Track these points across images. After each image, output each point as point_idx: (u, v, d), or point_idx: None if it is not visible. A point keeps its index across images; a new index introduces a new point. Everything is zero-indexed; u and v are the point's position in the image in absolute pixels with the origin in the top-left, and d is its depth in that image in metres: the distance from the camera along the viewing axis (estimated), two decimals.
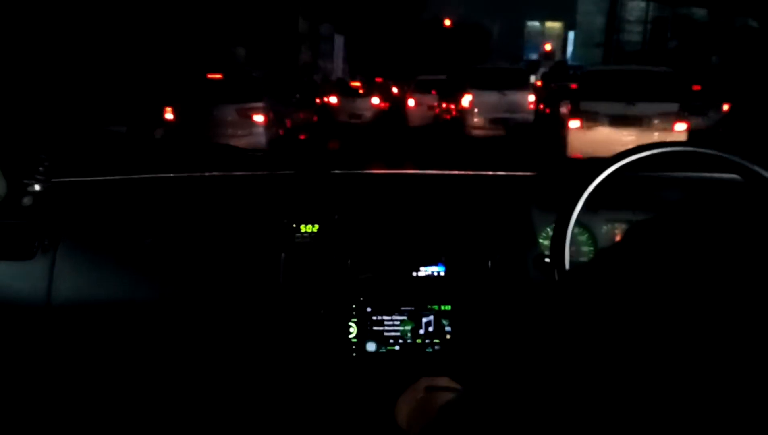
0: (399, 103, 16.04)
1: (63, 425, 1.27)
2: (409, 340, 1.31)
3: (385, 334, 1.31)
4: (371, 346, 1.30)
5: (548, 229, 1.40)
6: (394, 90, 19.50)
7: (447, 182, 1.49)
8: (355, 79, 18.96)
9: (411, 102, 13.83)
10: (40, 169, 1.25)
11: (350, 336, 1.30)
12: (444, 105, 13.27)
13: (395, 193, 1.43)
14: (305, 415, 1.29)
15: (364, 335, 1.30)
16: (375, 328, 1.31)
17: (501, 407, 0.51)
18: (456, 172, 1.51)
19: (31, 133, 1.49)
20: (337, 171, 1.46)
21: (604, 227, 1.43)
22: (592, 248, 1.43)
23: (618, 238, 1.44)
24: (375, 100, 14.92)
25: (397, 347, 1.31)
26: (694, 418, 0.38)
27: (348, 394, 1.29)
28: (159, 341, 1.29)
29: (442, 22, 27.26)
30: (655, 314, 0.41)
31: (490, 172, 1.51)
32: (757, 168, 1.05)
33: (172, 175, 1.42)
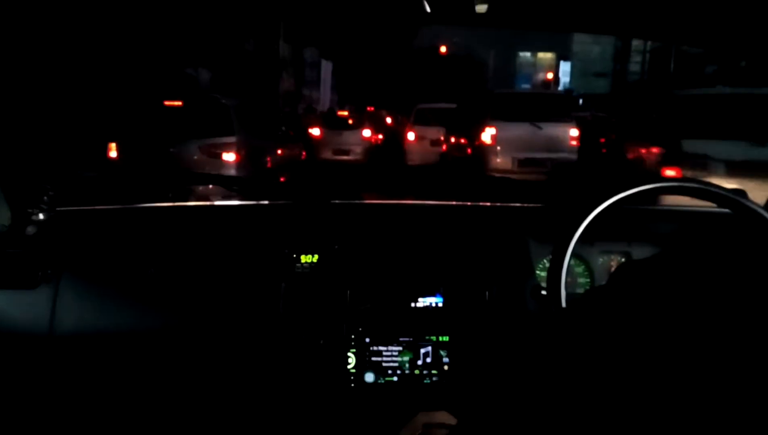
0: (395, 135, 14.09)
1: None
2: (407, 371, 1.31)
3: (384, 364, 1.31)
4: (369, 377, 1.31)
5: (545, 261, 1.41)
6: (389, 120, 17.55)
7: (445, 213, 1.51)
8: (343, 109, 16.46)
9: (411, 135, 11.73)
10: (45, 198, 1.26)
11: (349, 366, 1.30)
12: (454, 140, 10.32)
13: (394, 223, 1.45)
14: None
15: (363, 366, 1.31)
16: (373, 358, 1.31)
17: None
18: (454, 203, 1.53)
19: (35, 162, 1.51)
20: (336, 201, 1.48)
21: (600, 259, 1.45)
22: (588, 280, 1.44)
23: (614, 270, 1.46)
24: (366, 133, 12.47)
25: (395, 378, 1.31)
26: None
27: (346, 424, 1.29)
28: (160, 370, 1.29)
29: (437, 49, 25.58)
30: (650, 347, 0.42)
31: (488, 204, 1.53)
32: (749, 203, 1.07)
33: (175, 204, 1.44)
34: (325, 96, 21.89)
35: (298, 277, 1.33)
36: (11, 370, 1.23)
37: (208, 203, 1.45)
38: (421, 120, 11.78)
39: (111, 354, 1.27)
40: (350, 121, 12.91)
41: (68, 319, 1.25)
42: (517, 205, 1.52)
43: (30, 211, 1.25)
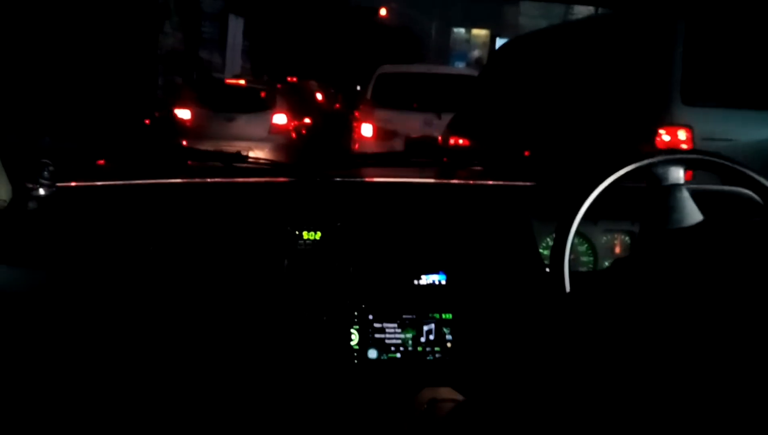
0: (331, 120, 9.69)
1: (66, 426, 1.27)
2: (410, 348, 1.32)
3: (387, 341, 1.32)
4: (373, 354, 1.31)
5: (548, 239, 1.41)
6: (319, 97, 12.47)
7: (449, 191, 1.51)
8: (245, 77, 10.32)
9: (366, 129, 6.38)
10: (45, 173, 1.25)
11: (352, 343, 1.31)
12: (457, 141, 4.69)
13: (397, 201, 1.44)
14: (307, 421, 1.29)
15: (366, 342, 1.31)
16: (376, 335, 1.31)
17: (503, 418, 0.52)
18: (458, 181, 1.52)
19: (35, 137, 1.50)
20: (339, 178, 1.47)
21: (604, 238, 1.45)
22: (591, 258, 1.44)
23: (617, 249, 1.46)
24: (279, 118, 7.42)
25: (398, 355, 1.31)
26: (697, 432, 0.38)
27: (349, 400, 1.30)
28: (162, 347, 1.29)
29: (376, 11, 20.62)
30: (657, 328, 0.41)
31: (492, 182, 1.52)
32: (756, 176, 1.06)
33: (176, 181, 1.43)
34: (233, 62, 15.49)
35: (300, 254, 1.33)
36: (10, 344, 1.24)
37: (209, 180, 1.44)
38: (388, 97, 6.50)
39: (112, 331, 1.27)
40: (250, 97, 7.56)
41: (69, 294, 1.25)
42: (521, 183, 1.51)
43: (30, 186, 1.24)
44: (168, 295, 1.28)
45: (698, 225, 0.48)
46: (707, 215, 0.99)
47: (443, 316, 1.33)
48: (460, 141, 4.47)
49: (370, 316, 1.31)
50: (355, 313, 1.31)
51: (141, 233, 1.29)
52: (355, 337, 1.31)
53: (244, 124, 7.22)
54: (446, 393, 0.93)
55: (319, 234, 1.34)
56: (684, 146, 2.88)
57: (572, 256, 1.41)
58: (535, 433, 0.47)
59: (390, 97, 6.50)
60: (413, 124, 6.12)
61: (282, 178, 1.48)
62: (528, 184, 1.51)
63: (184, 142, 6.78)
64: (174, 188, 1.43)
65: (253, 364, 1.31)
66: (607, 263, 1.44)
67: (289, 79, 12.74)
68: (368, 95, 6.73)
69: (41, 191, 1.24)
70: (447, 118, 5.43)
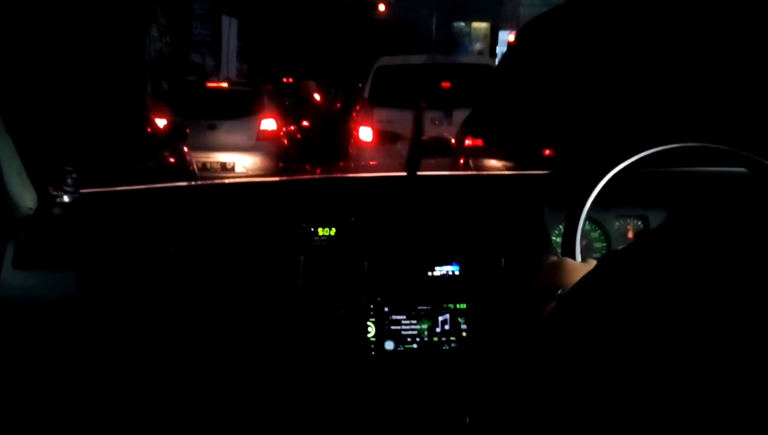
0: (331, 123, 8.72)
1: (95, 423, 1.32)
2: (426, 338, 1.34)
3: (403, 332, 1.34)
4: (389, 345, 1.34)
5: (561, 227, 1.42)
6: (317, 97, 11.73)
7: (460, 183, 1.52)
8: (230, 79, 9.44)
9: (365, 132, 5.59)
10: (68, 180, 1.30)
11: (369, 335, 1.34)
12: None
13: (410, 194, 1.46)
14: (326, 413, 1.32)
15: (383, 334, 1.34)
16: (393, 327, 1.34)
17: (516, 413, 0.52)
18: (468, 172, 1.54)
19: (58, 146, 1.55)
20: (351, 175, 1.50)
21: (617, 223, 1.45)
22: (604, 244, 1.45)
23: (630, 234, 1.46)
24: (267, 124, 6.59)
25: (414, 345, 1.34)
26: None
27: (368, 391, 1.33)
28: (186, 344, 1.33)
29: (375, 6, 19.03)
30: (665, 317, 0.41)
31: (503, 172, 1.53)
32: (764, 161, 1.07)
33: (194, 183, 1.47)
34: (228, 64, 14.24)
35: (316, 250, 1.36)
36: (35, 345, 1.28)
37: (226, 181, 1.48)
38: (388, 94, 5.56)
39: (134, 331, 1.31)
40: (234, 101, 6.73)
41: (93, 297, 1.29)
42: (532, 172, 1.52)
43: (54, 193, 1.29)
44: (190, 293, 1.32)
45: (691, 217, 0.46)
46: (706, 198, 0.99)
47: (458, 306, 1.35)
48: (479, 143, 3.77)
49: (386, 309, 1.34)
50: (371, 306, 1.34)
51: (162, 235, 1.34)
52: (371, 330, 1.34)
53: (227, 131, 6.42)
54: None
55: (333, 230, 1.37)
56: None
57: (585, 243, 1.42)
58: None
59: (391, 94, 5.49)
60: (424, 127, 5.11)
61: (296, 177, 1.51)
62: (539, 172, 1.52)
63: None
64: (192, 190, 1.47)
65: (274, 359, 1.34)
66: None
67: (284, 80, 11.88)
68: (366, 93, 5.74)
69: (65, 198, 1.29)
70: (460, 115, 4.83)
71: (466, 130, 4.38)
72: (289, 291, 1.33)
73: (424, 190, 1.50)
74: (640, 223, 1.46)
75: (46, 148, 1.52)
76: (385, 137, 5.27)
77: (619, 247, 1.44)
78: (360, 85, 6.72)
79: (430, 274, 1.37)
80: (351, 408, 1.33)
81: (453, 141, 4.31)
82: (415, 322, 1.34)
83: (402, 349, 1.34)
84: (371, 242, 1.37)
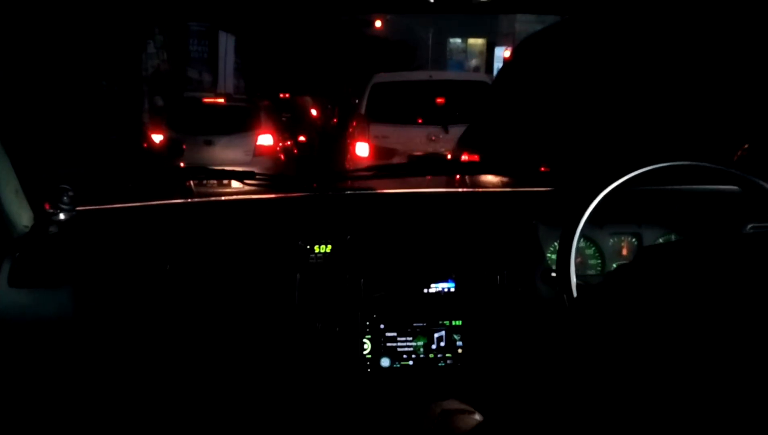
0: (328, 138, 8.81)
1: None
2: (422, 355, 1.34)
3: (399, 349, 1.34)
4: (385, 362, 1.34)
5: (555, 244, 1.43)
6: (314, 113, 11.85)
7: (455, 200, 1.53)
8: (226, 95, 9.06)
9: (362, 148, 5.52)
10: (65, 198, 1.30)
11: (365, 352, 1.34)
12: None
13: (405, 212, 1.47)
14: (322, 430, 1.32)
15: (378, 351, 1.34)
16: (388, 344, 1.34)
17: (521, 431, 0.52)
18: (464, 190, 1.55)
19: (55, 163, 1.55)
20: (348, 192, 1.51)
21: (611, 240, 1.46)
22: (599, 261, 1.46)
23: (624, 251, 1.47)
24: (264, 139, 6.72)
25: (410, 362, 1.34)
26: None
27: (363, 408, 1.32)
28: (181, 361, 1.33)
29: (371, 23, 18.69)
30: (666, 335, 0.41)
31: (498, 190, 1.55)
32: (754, 179, 1.09)
33: (190, 200, 1.47)
34: (225, 80, 14.57)
35: (312, 267, 1.36)
36: (32, 362, 1.28)
37: (222, 198, 1.49)
38: (385, 110, 5.57)
39: (130, 348, 1.31)
40: (231, 117, 6.76)
41: (89, 315, 1.29)
42: (527, 189, 1.53)
43: (51, 211, 1.29)
44: (185, 310, 1.32)
45: (697, 235, 0.47)
46: (703, 216, 1.00)
47: (453, 322, 1.35)
48: (475, 159, 3.67)
49: (382, 326, 1.34)
50: (367, 323, 1.34)
51: (158, 252, 1.34)
52: (367, 347, 1.34)
53: (223, 147, 6.48)
54: (453, 404, 0.94)
55: (329, 247, 1.38)
56: None
57: (579, 260, 1.43)
58: None
59: (387, 110, 5.55)
60: (416, 140, 5.34)
61: (292, 194, 1.52)
62: (534, 190, 1.53)
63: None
64: (188, 208, 1.47)
65: (270, 376, 1.34)
66: (614, 266, 1.46)
67: (281, 95, 11.70)
68: (362, 109, 5.69)
69: (62, 215, 1.29)
70: (456, 131, 4.77)
71: (462, 146, 4.34)
72: (285, 308, 1.33)
73: (421, 206, 1.51)
74: (634, 240, 1.47)
75: (42, 165, 1.53)
76: (382, 153, 5.29)
77: (613, 266, 1.45)
78: (356, 100, 6.80)
79: (425, 291, 1.37)
80: (347, 425, 1.32)
81: (449, 156, 4.42)
82: (410, 338, 1.35)
83: (398, 366, 1.34)
84: (367, 259, 1.37)
